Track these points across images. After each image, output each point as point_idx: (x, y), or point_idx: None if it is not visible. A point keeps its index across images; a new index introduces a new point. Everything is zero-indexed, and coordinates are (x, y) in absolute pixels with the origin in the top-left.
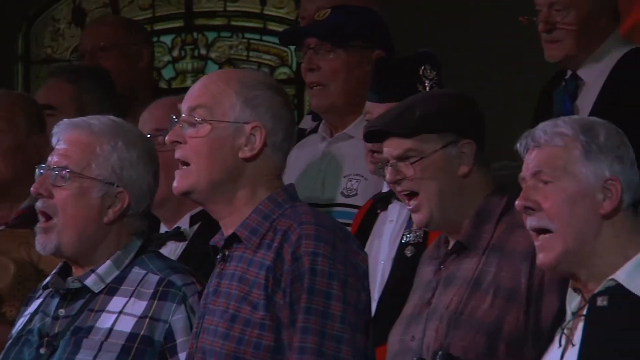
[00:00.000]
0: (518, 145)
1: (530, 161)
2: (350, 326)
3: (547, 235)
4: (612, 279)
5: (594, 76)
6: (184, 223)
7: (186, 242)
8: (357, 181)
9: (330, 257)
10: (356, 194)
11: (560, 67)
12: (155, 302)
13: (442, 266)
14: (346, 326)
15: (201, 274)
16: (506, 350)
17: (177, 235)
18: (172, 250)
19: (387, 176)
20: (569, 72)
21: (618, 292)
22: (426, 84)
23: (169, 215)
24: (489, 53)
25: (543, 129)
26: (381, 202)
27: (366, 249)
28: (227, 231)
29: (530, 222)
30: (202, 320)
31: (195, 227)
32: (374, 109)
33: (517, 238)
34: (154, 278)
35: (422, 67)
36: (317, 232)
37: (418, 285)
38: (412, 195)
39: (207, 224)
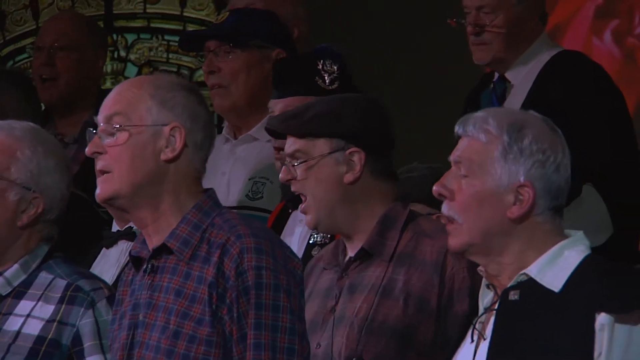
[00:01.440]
0: (455, 127)
1: (458, 148)
2: (298, 336)
3: (454, 224)
4: (524, 274)
5: (521, 78)
6: None
7: None
8: (262, 184)
9: (273, 269)
10: (262, 197)
11: (488, 69)
12: (64, 306)
13: (344, 274)
14: (295, 337)
15: None
16: (417, 358)
17: (129, 234)
18: (123, 249)
19: (280, 175)
20: (497, 75)
21: (530, 285)
22: (326, 78)
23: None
24: (417, 54)
25: (475, 120)
26: (293, 201)
27: None
28: (151, 240)
29: (443, 207)
30: (132, 333)
31: None
32: (275, 105)
33: (426, 247)
34: (61, 282)
35: (321, 61)
36: (257, 245)
37: (315, 292)
38: (305, 196)
39: None
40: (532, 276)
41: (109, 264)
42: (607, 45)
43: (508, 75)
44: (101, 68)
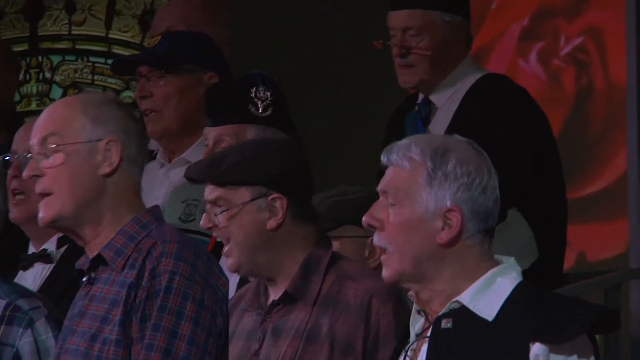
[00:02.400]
0: (381, 156)
1: (384, 177)
2: (199, 349)
3: (387, 255)
4: (457, 301)
5: (446, 101)
6: (51, 245)
7: (53, 265)
8: (195, 206)
9: (188, 277)
10: (194, 219)
11: (412, 92)
12: (3, 326)
13: (267, 317)
14: (194, 348)
15: (68, 299)
16: None
17: (44, 257)
18: (38, 272)
19: (201, 222)
20: (421, 97)
21: (462, 314)
22: (259, 105)
23: (37, 233)
24: (343, 75)
25: (398, 148)
26: None
27: None
28: (92, 253)
29: (374, 238)
30: (64, 342)
31: (63, 249)
32: (209, 133)
33: (349, 290)
34: (0, 302)
35: (254, 88)
36: (178, 251)
37: (238, 334)
38: (228, 240)
39: (74, 246)
40: (465, 304)
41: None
42: (533, 67)
43: (433, 97)
44: (14, 92)
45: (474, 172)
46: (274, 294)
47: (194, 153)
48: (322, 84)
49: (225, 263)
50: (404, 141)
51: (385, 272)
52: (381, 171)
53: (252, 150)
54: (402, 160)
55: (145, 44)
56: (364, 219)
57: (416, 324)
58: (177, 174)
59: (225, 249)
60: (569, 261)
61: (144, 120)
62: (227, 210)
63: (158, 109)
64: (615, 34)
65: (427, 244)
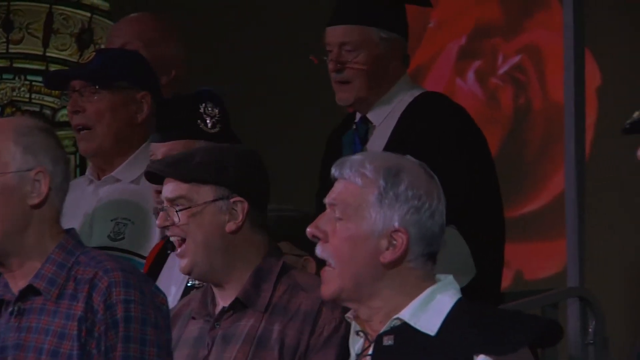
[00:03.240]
0: (332, 169)
1: (333, 191)
2: None
3: (328, 269)
4: (398, 318)
5: (384, 119)
6: None
7: None
8: (124, 225)
9: (141, 303)
10: (123, 238)
11: (350, 109)
12: None
13: (216, 324)
14: None
15: None
16: None
17: None
18: None
19: (158, 220)
20: (359, 115)
21: (404, 330)
22: (208, 122)
23: None
24: (282, 93)
25: (351, 163)
26: (172, 243)
27: None
28: (15, 283)
29: (317, 249)
30: None
31: None
32: (157, 149)
33: (300, 299)
34: None
35: (203, 105)
36: (125, 279)
37: (183, 342)
38: (182, 241)
39: None
40: (406, 320)
41: None
42: (470, 86)
43: (370, 116)
44: None
45: (424, 196)
46: (223, 301)
47: (124, 171)
48: (260, 103)
49: (179, 265)
50: (357, 156)
51: (325, 289)
52: (319, 193)
53: (219, 153)
54: (354, 176)
55: (76, 60)
56: (308, 229)
57: (355, 344)
58: (106, 192)
59: (179, 250)
60: (507, 280)
61: (76, 136)
62: (188, 208)
63: (90, 124)
64: (553, 53)
65: (370, 262)
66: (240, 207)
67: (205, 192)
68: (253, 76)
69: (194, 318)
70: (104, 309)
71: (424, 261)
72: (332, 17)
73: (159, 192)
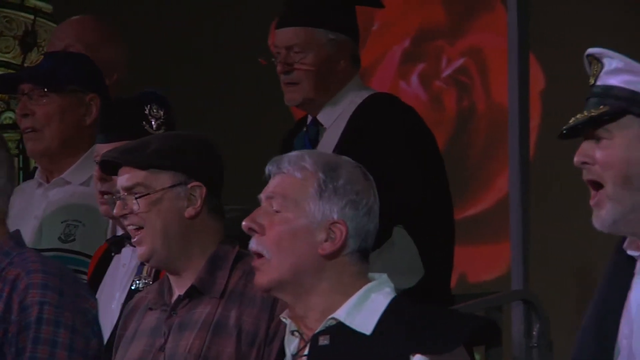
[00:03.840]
0: (267, 167)
1: (270, 184)
2: None
3: (262, 259)
4: (333, 318)
5: (334, 121)
6: None
7: None
8: (75, 226)
9: (57, 306)
10: (74, 239)
11: (294, 109)
12: None
13: (173, 312)
14: None
15: None
16: None
17: None
18: None
19: (115, 209)
20: (310, 118)
21: (339, 330)
22: (153, 123)
23: None
24: (233, 96)
25: (289, 158)
26: (115, 245)
27: (99, 292)
28: None
29: (251, 243)
30: None
31: None
32: (102, 150)
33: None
34: None
35: (148, 106)
36: (44, 281)
37: (140, 332)
38: (139, 229)
39: None
40: (341, 320)
41: None
42: (414, 89)
43: (320, 117)
44: None
45: (362, 192)
46: (179, 290)
47: (74, 173)
48: (210, 104)
49: (138, 252)
50: (295, 152)
51: (261, 278)
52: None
53: (174, 140)
54: (293, 169)
55: (19, 62)
56: (244, 222)
57: (291, 344)
58: (56, 194)
59: (136, 237)
60: (451, 282)
61: (24, 139)
62: (147, 195)
63: (39, 127)
64: (497, 55)
65: (309, 253)
66: (199, 192)
67: (163, 179)
68: (212, 78)
69: (151, 309)
70: (18, 311)
71: (359, 257)
72: (280, 19)
73: (103, 192)
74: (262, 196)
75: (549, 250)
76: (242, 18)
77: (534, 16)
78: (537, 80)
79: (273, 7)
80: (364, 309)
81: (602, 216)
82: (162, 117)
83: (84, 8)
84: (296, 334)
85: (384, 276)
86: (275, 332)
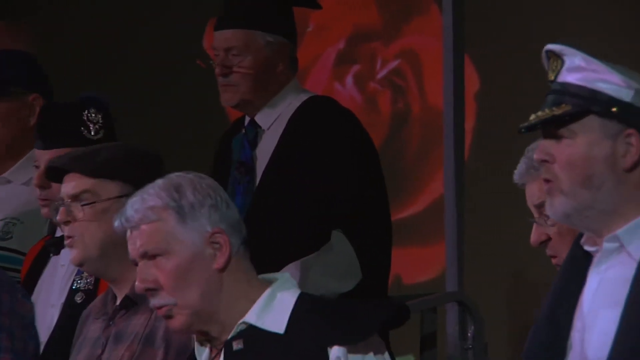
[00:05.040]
0: (115, 224)
1: (133, 243)
2: None
3: (170, 307)
4: (244, 322)
5: (273, 123)
6: None
7: None
8: (13, 224)
9: None
10: (12, 237)
11: (237, 110)
12: None
13: (111, 322)
14: None
15: None
16: None
17: None
18: None
19: (58, 216)
20: (248, 119)
21: (252, 333)
22: (91, 128)
23: None
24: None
25: (133, 207)
26: (54, 246)
27: (36, 292)
28: None
29: (154, 302)
30: None
31: None
32: (41, 157)
33: None
34: None
35: (86, 111)
36: None
37: (84, 342)
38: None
39: None
40: (252, 323)
41: None
42: (349, 90)
43: (258, 119)
44: None
45: (211, 192)
46: (119, 299)
47: (16, 173)
48: (142, 106)
49: (70, 255)
50: (132, 199)
51: (176, 323)
52: None
53: (124, 151)
54: (144, 215)
55: None
56: (138, 288)
57: (202, 353)
58: None
59: (68, 240)
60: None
61: None
62: (93, 203)
63: None
64: (432, 57)
65: (207, 275)
66: None
67: (111, 188)
68: (149, 81)
69: (96, 318)
70: None
71: (244, 250)
72: (218, 21)
73: (44, 199)
74: (135, 259)
75: (484, 252)
76: (180, 20)
77: (468, 18)
78: (472, 81)
79: (210, 9)
80: (273, 309)
81: (555, 206)
82: (101, 122)
83: (22, 14)
84: (205, 343)
85: (287, 275)
86: None
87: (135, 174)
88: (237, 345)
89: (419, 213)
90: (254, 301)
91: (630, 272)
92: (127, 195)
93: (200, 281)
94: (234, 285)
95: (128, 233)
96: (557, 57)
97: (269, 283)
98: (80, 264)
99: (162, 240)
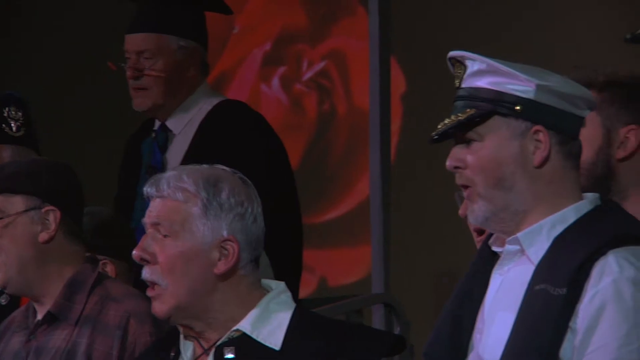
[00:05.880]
0: (144, 189)
1: (153, 210)
2: None
3: (156, 290)
4: (237, 330)
5: (183, 128)
6: None
7: None
8: None
9: None
10: None
11: (148, 116)
12: None
13: (32, 337)
14: None
15: None
16: None
17: None
18: None
19: None
20: (158, 123)
21: (245, 342)
22: (12, 125)
23: None
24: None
25: (168, 180)
26: None
27: None
28: None
29: (144, 272)
30: None
31: None
32: None
33: (110, 311)
34: None
35: (7, 109)
36: None
37: (6, 354)
38: None
39: None
40: (247, 332)
41: None
42: (275, 92)
43: (169, 123)
44: None
45: (245, 202)
46: (40, 314)
47: None
48: (57, 108)
49: None
50: (172, 172)
51: (159, 308)
52: (117, 197)
53: (29, 164)
54: (174, 192)
55: None
56: (134, 252)
57: (187, 350)
58: None
59: None
60: (311, 286)
61: None
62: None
63: None
64: (358, 59)
65: (204, 275)
66: (53, 216)
67: (17, 203)
68: (58, 82)
69: (16, 332)
70: None
71: (252, 267)
72: (130, 24)
73: None
74: (146, 222)
75: (409, 254)
76: (91, 22)
77: (394, 19)
78: (398, 83)
79: (121, 12)
80: (269, 322)
81: (475, 211)
82: (21, 119)
83: None
84: (191, 338)
85: (282, 285)
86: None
87: (40, 186)
88: (228, 353)
89: (344, 214)
90: (247, 308)
91: (528, 276)
92: (34, 208)
93: (195, 278)
94: (231, 294)
95: (152, 199)
96: (460, 63)
97: (263, 291)
98: (3, 286)
99: (177, 222)
